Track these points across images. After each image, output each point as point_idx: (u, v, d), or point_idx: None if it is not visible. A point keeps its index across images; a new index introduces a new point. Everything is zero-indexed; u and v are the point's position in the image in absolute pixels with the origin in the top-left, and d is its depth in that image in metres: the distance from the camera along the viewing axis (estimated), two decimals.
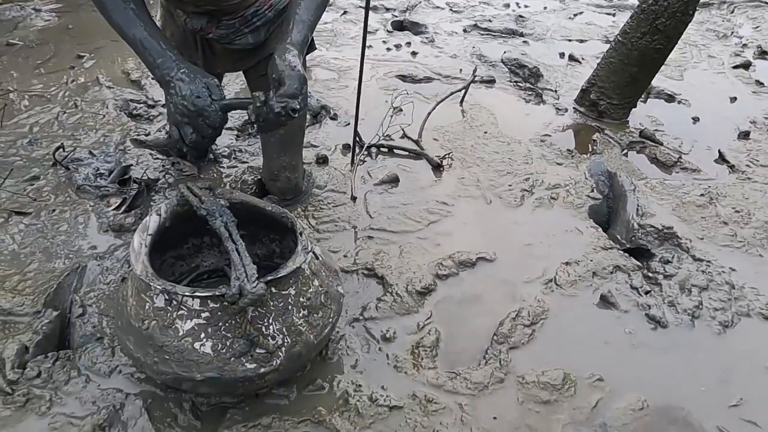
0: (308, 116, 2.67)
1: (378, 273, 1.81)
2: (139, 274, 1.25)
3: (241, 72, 1.90)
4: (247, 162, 2.30)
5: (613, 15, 4.43)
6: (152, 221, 1.39)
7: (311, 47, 1.75)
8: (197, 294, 1.21)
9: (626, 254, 1.97)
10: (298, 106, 1.26)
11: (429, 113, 2.67)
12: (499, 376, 1.51)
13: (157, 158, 2.24)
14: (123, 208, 1.92)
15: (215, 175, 2.22)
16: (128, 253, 1.68)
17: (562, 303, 1.78)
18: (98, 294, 1.63)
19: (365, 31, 2.01)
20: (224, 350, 1.22)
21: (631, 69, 2.72)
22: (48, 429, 1.28)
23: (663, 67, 2.89)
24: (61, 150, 2.17)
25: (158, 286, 1.22)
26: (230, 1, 1.50)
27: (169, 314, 1.23)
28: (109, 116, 2.54)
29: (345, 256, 1.88)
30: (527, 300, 1.77)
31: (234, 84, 2.97)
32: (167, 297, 1.23)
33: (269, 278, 1.23)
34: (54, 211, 1.95)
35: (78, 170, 2.12)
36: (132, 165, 2.15)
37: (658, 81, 3.13)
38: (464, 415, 1.41)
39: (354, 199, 2.17)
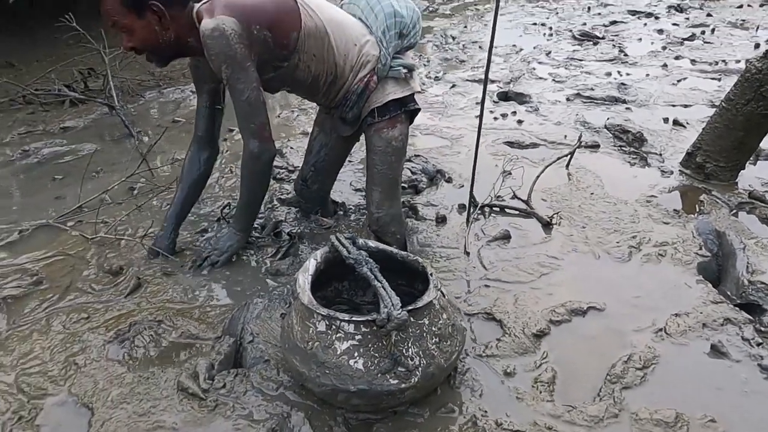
0: (425, 179, 2.99)
1: (496, 317, 2.02)
2: (306, 303, 1.56)
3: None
4: None
5: (719, 80, 4.48)
6: (311, 264, 1.72)
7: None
8: (353, 319, 1.50)
9: (737, 308, 2.04)
10: None
11: (538, 175, 2.89)
12: (613, 412, 1.64)
13: (299, 212, 2.63)
14: (278, 257, 2.29)
15: (344, 226, 2.56)
16: (285, 291, 2.03)
17: (672, 350, 1.88)
18: (263, 325, 1.96)
19: (483, 102, 2.33)
20: (373, 367, 1.48)
21: (737, 133, 2.80)
22: (233, 429, 1.58)
23: None
24: (227, 208, 2.61)
25: (321, 313, 1.52)
26: (333, 103, 2.24)
27: (329, 337, 1.52)
28: None
29: (464, 301, 2.11)
30: (638, 346, 1.89)
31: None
32: (328, 322, 1.53)
33: (410, 308, 1.50)
34: None
35: None
36: (282, 220, 2.54)
37: None
38: None
39: (467, 253, 2.41)
